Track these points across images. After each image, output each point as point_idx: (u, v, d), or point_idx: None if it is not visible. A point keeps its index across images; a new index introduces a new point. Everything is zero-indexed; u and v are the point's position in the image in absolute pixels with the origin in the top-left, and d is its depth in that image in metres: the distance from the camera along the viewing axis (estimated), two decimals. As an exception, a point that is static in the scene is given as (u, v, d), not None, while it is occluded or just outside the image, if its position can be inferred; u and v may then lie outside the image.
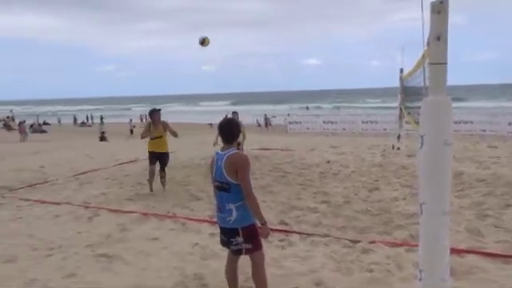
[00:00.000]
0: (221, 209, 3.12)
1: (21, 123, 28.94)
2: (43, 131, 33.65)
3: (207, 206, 6.33)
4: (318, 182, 7.98)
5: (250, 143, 11.95)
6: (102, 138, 23.52)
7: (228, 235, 3.12)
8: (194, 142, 15.15)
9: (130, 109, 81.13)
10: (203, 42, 7.25)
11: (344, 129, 23.46)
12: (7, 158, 13.24)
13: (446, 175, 2.37)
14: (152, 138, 7.44)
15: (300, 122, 25.71)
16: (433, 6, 2.31)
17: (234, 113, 10.04)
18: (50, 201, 6.96)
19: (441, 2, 2.28)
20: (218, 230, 3.27)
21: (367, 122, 23.44)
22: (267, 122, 32.36)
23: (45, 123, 42.71)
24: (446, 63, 2.34)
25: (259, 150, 12.20)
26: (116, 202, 6.75)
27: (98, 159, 11.82)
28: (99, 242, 4.85)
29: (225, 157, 3.07)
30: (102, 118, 38.52)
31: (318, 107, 63.29)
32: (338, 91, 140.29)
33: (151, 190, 7.40)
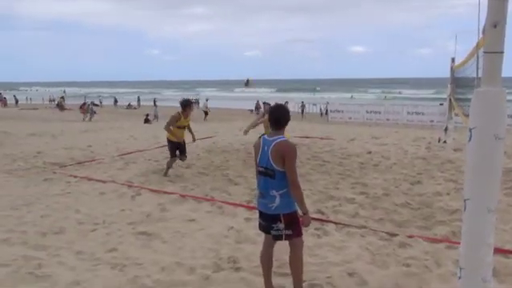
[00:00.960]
0: (264, 194, 3.09)
1: (84, 104, 30.91)
2: (93, 112, 35.21)
3: (245, 190, 6.41)
4: (358, 172, 7.83)
5: (290, 131, 11.85)
6: (146, 121, 24.24)
7: (269, 221, 3.09)
8: (233, 128, 15.29)
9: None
10: (247, 82, 7.31)
11: (388, 119, 22.71)
12: (59, 136, 14.05)
13: (494, 171, 2.24)
14: (179, 127, 7.47)
15: (342, 111, 25.09)
16: (491, -9, 2.16)
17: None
18: (96, 178, 7.33)
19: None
20: (254, 215, 3.29)
21: (413, 113, 22.54)
22: (302, 110, 31.69)
23: (94, 104, 44.64)
24: (502, 52, 2.20)
25: (299, 137, 12.11)
26: (157, 183, 6.98)
27: (142, 141, 12.26)
28: (140, 220, 5.07)
29: (272, 143, 3.01)
30: (155, 101, 39.41)
31: (362, 96, 61.69)
32: (385, 80, 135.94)
33: (167, 174, 7.49)
